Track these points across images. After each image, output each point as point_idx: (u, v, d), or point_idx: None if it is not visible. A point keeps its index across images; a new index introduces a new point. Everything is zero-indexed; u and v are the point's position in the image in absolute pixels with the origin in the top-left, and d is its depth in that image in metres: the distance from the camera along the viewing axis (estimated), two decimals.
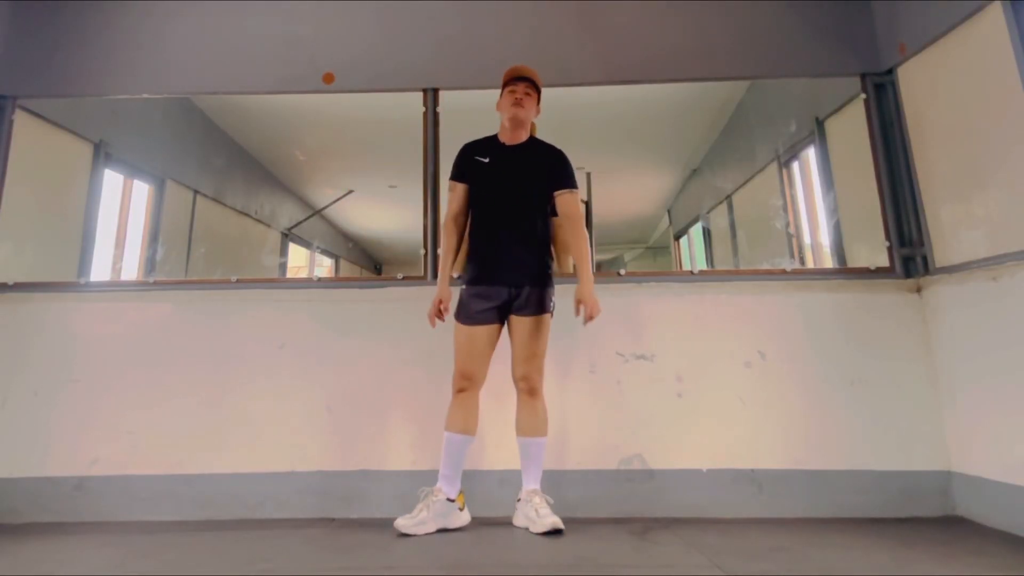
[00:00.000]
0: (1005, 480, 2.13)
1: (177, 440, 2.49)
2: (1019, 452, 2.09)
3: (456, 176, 2.30)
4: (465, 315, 2.18)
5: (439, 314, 2.21)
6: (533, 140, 2.32)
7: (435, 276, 2.59)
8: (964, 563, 1.78)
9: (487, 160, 2.25)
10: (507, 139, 2.28)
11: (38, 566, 1.87)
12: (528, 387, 2.17)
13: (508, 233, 2.20)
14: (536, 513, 2.09)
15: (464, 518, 2.19)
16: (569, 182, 2.25)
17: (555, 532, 2.05)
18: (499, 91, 2.30)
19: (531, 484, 2.17)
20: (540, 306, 2.19)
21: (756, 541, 2.04)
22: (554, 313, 2.24)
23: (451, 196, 2.30)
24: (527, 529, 2.12)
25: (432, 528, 2.10)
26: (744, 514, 2.36)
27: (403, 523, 2.07)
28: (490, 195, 2.24)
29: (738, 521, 2.31)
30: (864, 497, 2.36)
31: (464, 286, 2.24)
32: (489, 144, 2.30)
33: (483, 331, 2.17)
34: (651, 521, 2.30)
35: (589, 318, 2.13)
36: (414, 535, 2.06)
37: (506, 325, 2.22)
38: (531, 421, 2.17)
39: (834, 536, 2.09)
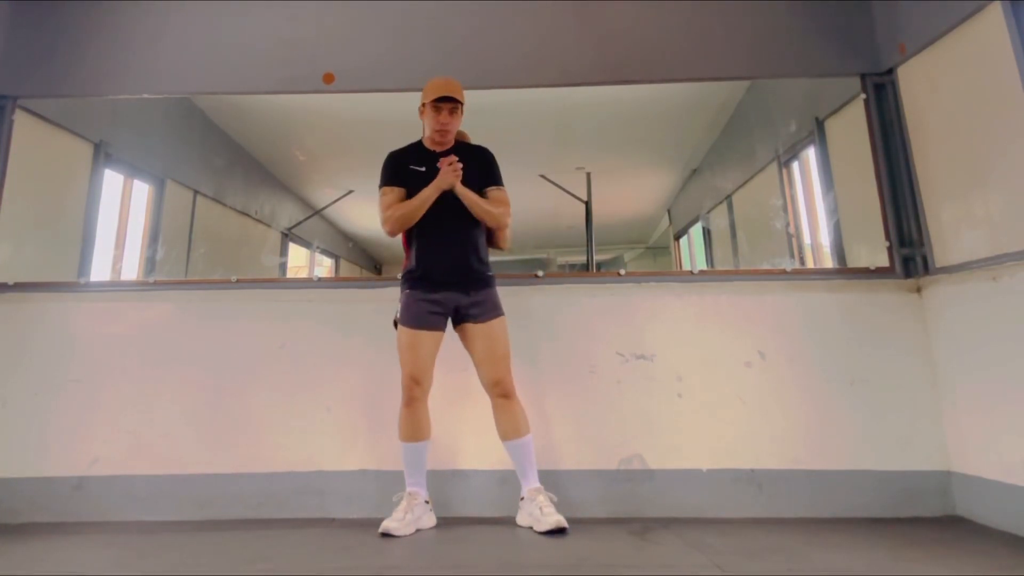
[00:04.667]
0: (1005, 480, 2.13)
1: (177, 440, 2.49)
2: (1019, 452, 2.09)
3: (393, 182, 2.26)
4: (411, 319, 2.18)
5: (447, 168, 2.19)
6: (459, 145, 2.34)
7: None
8: (964, 563, 1.78)
9: (423, 169, 2.25)
10: (435, 147, 2.30)
11: (38, 566, 1.87)
12: (502, 391, 2.18)
13: (450, 239, 2.21)
14: (540, 511, 2.09)
15: (432, 519, 2.22)
16: (496, 180, 2.30)
17: (559, 531, 2.05)
18: (496, 91, 2.30)
19: (532, 483, 2.17)
20: (495, 309, 2.21)
21: (756, 541, 2.04)
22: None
23: (387, 199, 2.23)
24: (531, 528, 2.12)
25: (413, 529, 2.13)
26: (744, 514, 2.36)
27: (392, 525, 2.09)
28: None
29: (738, 521, 2.31)
30: (864, 497, 2.36)
31: (407, 290, 2.23)
32: (418, 152, 2.31)
33: (429, 336, 2.17)
34: (651, 521, 2.30)
35: (446, 162, 2.18)
36: (400, 536, 2.08)
37: (459, 333, 2.24)
38: (512, 423, 2.18)
39: (834, 536, 2.09)
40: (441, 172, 2.17)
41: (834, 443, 2.42)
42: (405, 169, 2.27)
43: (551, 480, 2.34)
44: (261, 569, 1.78)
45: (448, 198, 2.20)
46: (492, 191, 2.28)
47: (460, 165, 2.17)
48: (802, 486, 2.38)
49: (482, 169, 2.29)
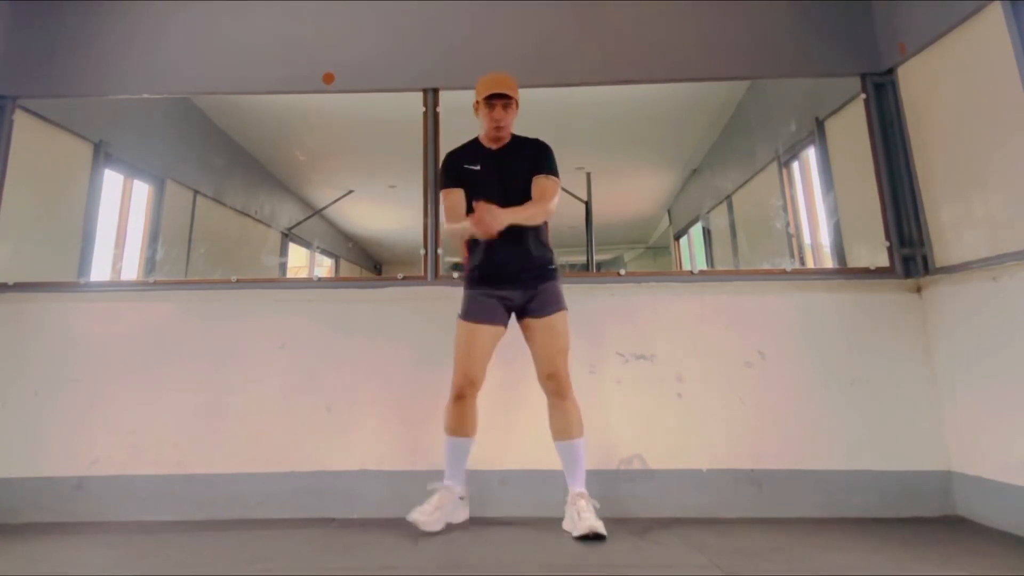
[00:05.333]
0: (1005, 480, 2.13)
1: (177, 440, 2.49)
2: (1019, 452, 2.09)
3: (450, 183, 2.25)
4: (470, 313, 2.17)
5: (484, 217, 2.01)
6: (515, 139, 2.31)
7: (435, 276, 2.60)
8: (964, 563, 1.78)
9: (478, 167, 2.24)
10: (491, 144, 2.28)
11: (38, 566, 1.87)
12: (556, 386, 2.15)
13: (508, 237, 2.14)
14: (578, 516, 2.06)
15: (465, 514, 2.23)
16: (547, 167, 2.23)
17: (594, 537, 2.01)
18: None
19: (576, 487, 2.14)
20: (557, 303, 2.18)
21: (756, 541, 2.04)
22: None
23: (449, 199, 2.23)
24: (570, 533, 2.09)
25: (442, 524, 2.11)
26: (744, 514, 2.36)
27: (420, 518, 2.07)
28: (487, 200, 2.19)
29: (738, 521, 2.31)
30: (864, 497, 2.36)
31: (469, 290, 2.22)
32: (474, 150, 2.29)
33: (488, 331, 2.15)
34: (651, 521, 2.30)
35: (480, 219, 2.00)
36: (427, 530, 2.07)
37: (522, 329, 2.21)
38: (564, 423, 2.16)
39: (834, 536, 2.09)
40: (475, 222, 2.02)
41: (834, 443, 2.42)
42: (461, 169, 2.26)
43: (551, 480, 2.34)
44: (261, 569, 1.78)
45: (504, 197, 2.15)
46: (537, 180, 2.21)
47: (495, 216, 2.02)
48: (802, 486, 2.38)
49: (535, 158, 2.25)
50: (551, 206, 2.20)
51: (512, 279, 2.17)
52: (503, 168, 2.24)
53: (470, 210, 2.20)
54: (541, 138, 2.35)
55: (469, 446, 2.19)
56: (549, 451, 2.43)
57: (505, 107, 2.21)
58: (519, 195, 2.20)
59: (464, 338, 2.16)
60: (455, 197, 2.24)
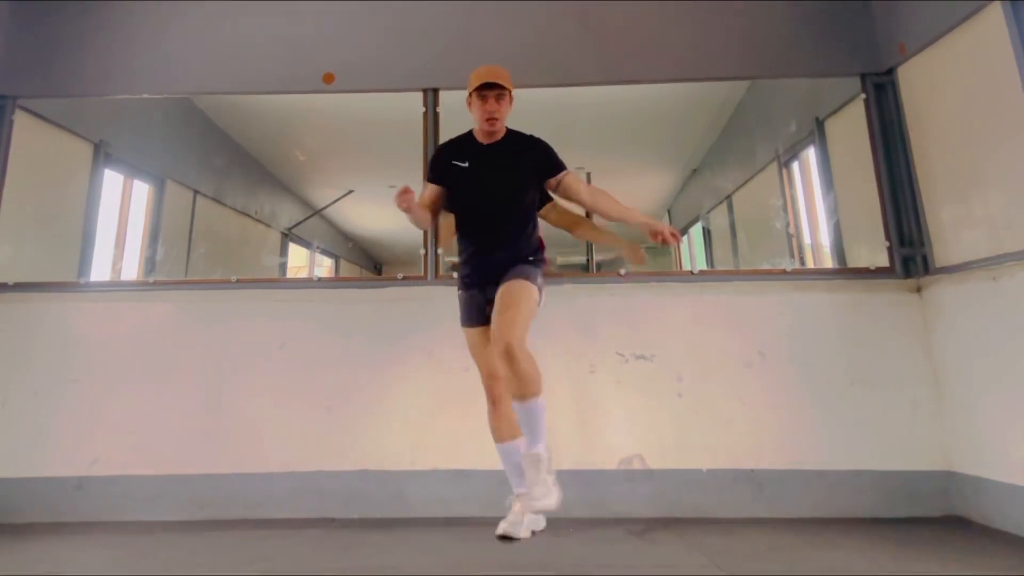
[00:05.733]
0: (1005, 480, 2.13)
1: (177, 440, 2.49)
2: (1019, 452, 2.09)
3: (431, 178, 2.19)
4: (463, 319, 2.14)
5: (404, 193, 1.93)
6: (510, 134, 2.22)
7: (435, 276, 2.59)
8: (964, 563, 1.78)
9: (466, 164, 2.16)
10: (484, 139, 2.19)
11: (38, 566, 1.87)
12: (501, 349, 1.91)
13: (495, 235, 2.11)
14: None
15: (542, 521, 1.98)
16: (559, 167, 2.16)
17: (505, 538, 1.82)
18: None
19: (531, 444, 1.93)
20: (523, 272, 2.02)
21: (756, 541, 2.04)
22: (542, 299, 2.05)
23: (422, 196, 2.14)
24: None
25: (529, 532, 1.92)
26: (745, 514, 2.36)
27: (509, 529, 1.84)
28: (472, 199, 2.15)
29: (738, 521, 2.31)
30: (864, 497, 2.36)
31: (458, 291, 2.17)
32: (467, 144, 2.20)
33: (479, 332, 2.11)
34: (651, 521, 2.30)
35: (672, 236, 1.99)
36: (518, 538, 1.85)
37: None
38: (518, 385, 1.92)
39: (834, 536, 2.09)
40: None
41: (834, 443, 2.42)
42: (448, 165, 2.17)
43: (555, 480, 2.34)
44: (261, 569, 1.78)
45: (486, 196, 2.10)
46: (560, 181, 2.14)
47: (406, 195, 1.94)
48: (802, 486, 2.38)
49: (539, 161, 2.16)
50: (600, 194, 2.14)
51: (492, 276, 2.08)
52: (493, 164, 2.15)
53: (455, 208, 2.16)
54: (541, 138, 2.31)
55: (519, 449, 1.99)
56: (552, 452, 2.43)
57: (498, 98, 2.11)
58: (504, 199, 2.13)
59: (468, 341, 2.13)
60: (426, 193, 2.16)
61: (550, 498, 1.81)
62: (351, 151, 3.75)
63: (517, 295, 1.99)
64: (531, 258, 2.12)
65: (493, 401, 2.06)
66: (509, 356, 1.91)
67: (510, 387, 1.96)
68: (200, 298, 2.64)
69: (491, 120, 2.12)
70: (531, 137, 2.23)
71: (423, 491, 2.41)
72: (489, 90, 2.11)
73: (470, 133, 2.24)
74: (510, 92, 2.16)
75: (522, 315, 1.97)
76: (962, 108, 2.33)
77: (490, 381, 2.07)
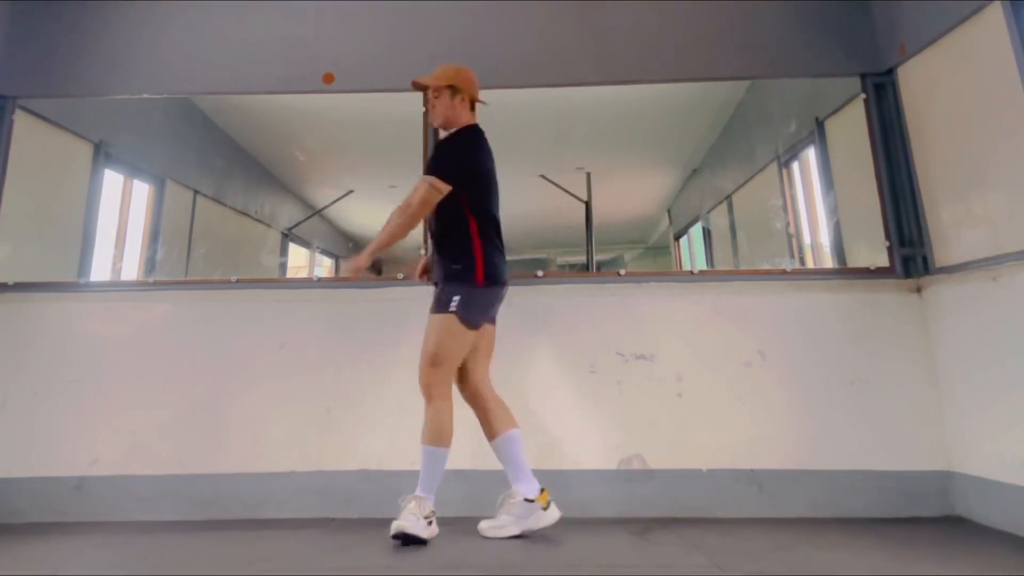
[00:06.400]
0: (1005, 480, 2.13)
1: (177, 440, 2.49)
2: (1019, 452, 2.09)
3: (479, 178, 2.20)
4: (479, 318, 2.14)
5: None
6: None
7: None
8: (964, 563, 1.78)
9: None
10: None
11: (38, 566, 1.87)
12: (422, 389, 2.09)
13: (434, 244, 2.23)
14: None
15: (550, 516, 2.06)
16: (429, 166, 2.15)
17: (404, 539, 1.95)
18: (496, 91, 2.27)
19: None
20: (437, 304, 2.10)
21: (756, 541, 2.04)
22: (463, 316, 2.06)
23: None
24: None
25: (515, 531, 2.04)
26: (744, 514, 2.36)
27: (484, 525, 2.08)
28: (496, 201, 2.25)
29: (738, 521, 2.31)
30: (864, 497, 2.36)
31: (487, 287, 2.14)
32: None
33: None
34: (651, 521, 2.30)
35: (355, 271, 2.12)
36: (493, 538, 2.03)
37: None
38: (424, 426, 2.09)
39: (834, 536, 2.09)
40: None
41: (834, 443, 2.42)
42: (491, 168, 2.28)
43: (551, 480, 2.34)
44: (261, 569, 1.78)
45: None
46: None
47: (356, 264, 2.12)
48: (802, 486, 2.38)
49: None
50: (405, 205, 2.12)
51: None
52: None
53: (476, 209, 2.16)
54: (540, 138, 2.33)
55: (512, 441, 2.12)
56: (550, 451, 2.44)
57: (435, 96, 2.23)
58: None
59: (470, 343, 2.17)
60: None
61: (424, 531, 1.95)
62: (351, 151, 3.75)
63: (433, 329, 2.09)
64: (455, 265, 2.12)
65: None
66: (424, 394, 2.07)
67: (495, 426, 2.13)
68: (200, 298, 2.64)
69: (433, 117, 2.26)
70: (442, 137, 2.31)
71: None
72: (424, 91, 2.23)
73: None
74: (442, 87, 2.21)
75: (433, 353, 2.07)
76: (962, 108, 2.33)
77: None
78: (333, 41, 2.88)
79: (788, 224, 3.08)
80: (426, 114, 2.78)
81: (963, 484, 2.31)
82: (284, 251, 3.71)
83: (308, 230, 3.86)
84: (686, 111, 3.45)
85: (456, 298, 2.06)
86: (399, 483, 2.40)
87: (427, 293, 2.55)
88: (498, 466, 2.40)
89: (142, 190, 3.16)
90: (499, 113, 2.36)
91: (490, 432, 2.14)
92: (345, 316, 2.60)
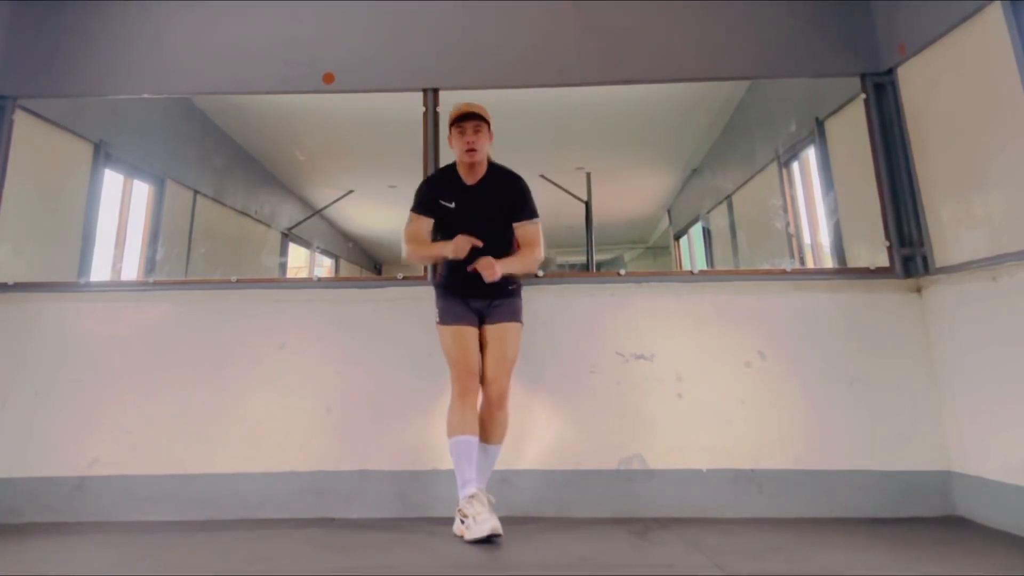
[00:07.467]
0: (1005, 480, 2.13)
1: (177, 440, 2.49)
2: (1019, 452, 2.09)
3: (422, 211, 2.27)
4: (453, 317, 2.21)
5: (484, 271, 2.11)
6: (491, 170, 2.30)
7: (435, 276, 2.59)
8: (964, 563, 1.78)
9: (452, 205, 2.25)
10: (468, 178, 2.27)
11: (38, 566, 1.87)
12: (495, 395, 2.18)
13: (479, 256, 2.17)
14: (474, 521, 1.99)
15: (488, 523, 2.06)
16: (527, 213, 2.26)
17: (490, 539, 1.97)
18: (496, 91, 2.28)
19: (481, 484, 2.12)
20: (511, 315, 2.23)
21: (756, 541, 2.04)
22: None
23: (415, 225, 2.25)
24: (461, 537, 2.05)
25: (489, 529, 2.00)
26: (744, 514, 2.36)
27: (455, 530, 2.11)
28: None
29: (738, 521, 2.31)
30: (864, 497, 2.36)
31: (442, 299, 2.27)
32: (451, 183, 2.28)
33: (469, 330, 2.21)
34: (651, 521, 2.30)
35: (475, 269, 2.12)
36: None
37: (481, 335, 2.24)
38: (490, 427, 2.18)
39: (834, 536, 2.09)
40: (457, 248, 2.13)
41: (834, 443, 2.42)
42: (436, 204, 2.26)
43: (550, 479, 2.34)
44: (261, 569, 1.78)
45: (477, 234, 2.16)
46: (521, 227, 2.25)
47: (492, 268, 2.10)
48: (802, 486, 2.38)
49: (512, 200, 2.26)
50: (539, 252, 2.24)
51: (477, 289, 2.19)
52: (478, 204, 2.25)
53: (443, 237, 2.24)
54: (540, 138, 2.34)
55: (476, 444, 2.12)
56: (551, 451, 2.44)
57: (476, 130, 2.20)
58: (493, 231, 2.22)
59: (451, 337, 2.20)
60: (422, 225, 2.26)
61: (486, 525, 1.95)
62: (351, 151, 3.75)
63: (512, 341, 2.22)
64: (511, 285, 2.27)
65: (464, 392, 2.15)
66: (500, 401, 2.18)
67: (487, 427, 2.18)
68: (200, 298, 2.64)
69: (470, 151, 2.20)
70: (511, 173, 2.32)
71: (423, 491, 2.41)
72: (467, 121, 2.20)
73: (453, 167, 2.30)
74: (488, 124, 2.24)
75: (513, 362, 2.22)
76: (962, 108, 2.33)
77: (466, 374, 2.16)
78: (333, 41, 2.88)
79: (788, 224, 3.08)
80: (426, 114, 2.79)
81: (963, 484, 2.31)
82: (284, 251, 3.70)
83: (308, 230, 3.86)
84: (686, 111, 3.45)
85: (519, 309, 2.28)
86: (399, 483, 2.41)
87: (426, 293, 2.57)
88: (499, 466, 2.41)
89: (142, 190, 3.16)
90: (499, 113, 2.36)
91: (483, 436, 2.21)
92: (345, 316, 2.60)
